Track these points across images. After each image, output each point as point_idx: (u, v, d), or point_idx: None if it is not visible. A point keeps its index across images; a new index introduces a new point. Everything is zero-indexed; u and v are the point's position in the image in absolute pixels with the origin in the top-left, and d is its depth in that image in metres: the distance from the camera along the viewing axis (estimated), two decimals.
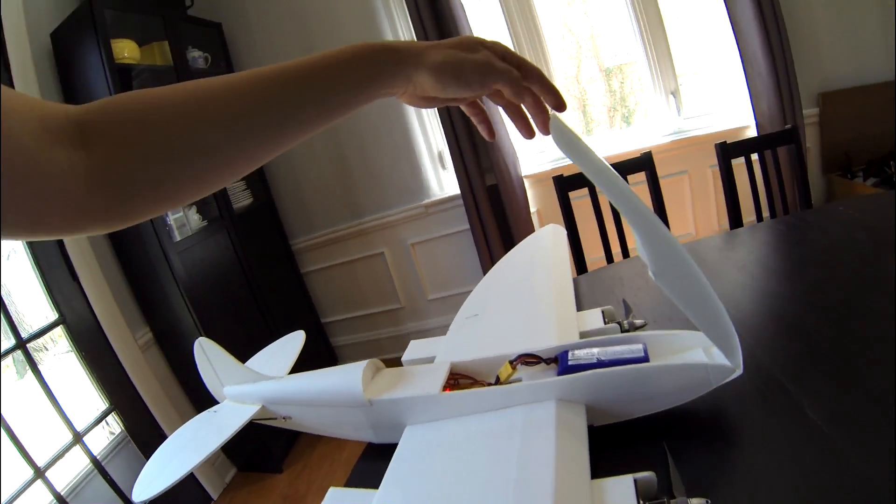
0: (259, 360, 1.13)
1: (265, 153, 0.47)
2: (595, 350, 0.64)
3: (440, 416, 0.66)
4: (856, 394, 0.63)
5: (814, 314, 0.83)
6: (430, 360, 0.84)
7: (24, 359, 1.86)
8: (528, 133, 0.62)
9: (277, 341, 1.17)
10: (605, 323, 0.81)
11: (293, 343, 1.11)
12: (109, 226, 0.44)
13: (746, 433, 0.61)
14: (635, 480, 0.49)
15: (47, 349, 2.05)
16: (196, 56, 2.51)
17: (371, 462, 0.76)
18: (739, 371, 0.59)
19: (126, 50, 2.15)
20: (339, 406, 0.73)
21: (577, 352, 0.65)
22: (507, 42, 2.63)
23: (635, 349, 0.62)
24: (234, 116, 0.44)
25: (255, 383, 0.88)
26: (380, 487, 0.59)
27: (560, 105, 0.58)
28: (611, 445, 0.62)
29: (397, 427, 0.69)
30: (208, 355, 0.95)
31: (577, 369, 0.62)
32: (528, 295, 0.95)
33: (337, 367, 0.78)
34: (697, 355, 0.60)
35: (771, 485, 0.53)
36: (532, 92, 0.57)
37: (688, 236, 2.73)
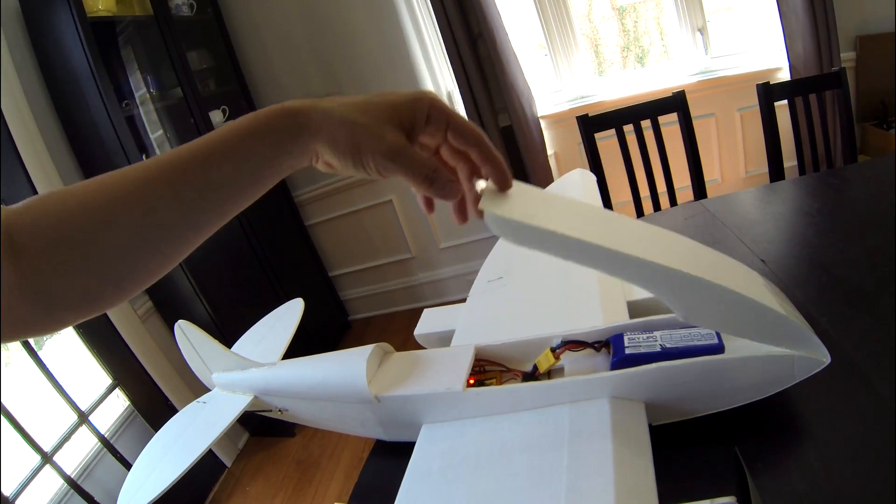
0: (255, 334, 1.02)
1: (181, 249, 0.42)
2: (657, 335, 0.52)
3: (464, 415, 0.55)
4: None
5: (889, 287, 0.70)
6: (449, 336, 0.72)
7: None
8: (460, 218, 0.46)
9: (274, 312, 1.05)
10: None
11: (291, 314, 0.99)
12: (43, 332, 0.42)
13: (828, 435, 0.49)
14: None
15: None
16: (179, 3, 2.32)
17: (383, 461, 0.66)
18: (828, 360, 0.47)
19: (100, 2, 1.97)
20: (340, 401, 0.62)
21: (633, 335, 0.53)
22: None
23: (706, 334, 0.50)
24: (144, 215, 0.39)
25: (244, 371, 0.77)
26: None
27: (504, 183, 0.43)
28: (672, 448, 0.51)
29: (412, 425, 0.58)
30: (191, 340, 0.84)
31: (636, 360, 0.50)
32: None
33: (337, 353, 0.66)
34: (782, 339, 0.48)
35: (861, 501, 0.42)
36: (464, 162, 0.45)
37: (714, 182, 2.59)
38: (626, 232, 0.43)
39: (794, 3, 2.15)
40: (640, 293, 0.67)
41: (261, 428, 2.52)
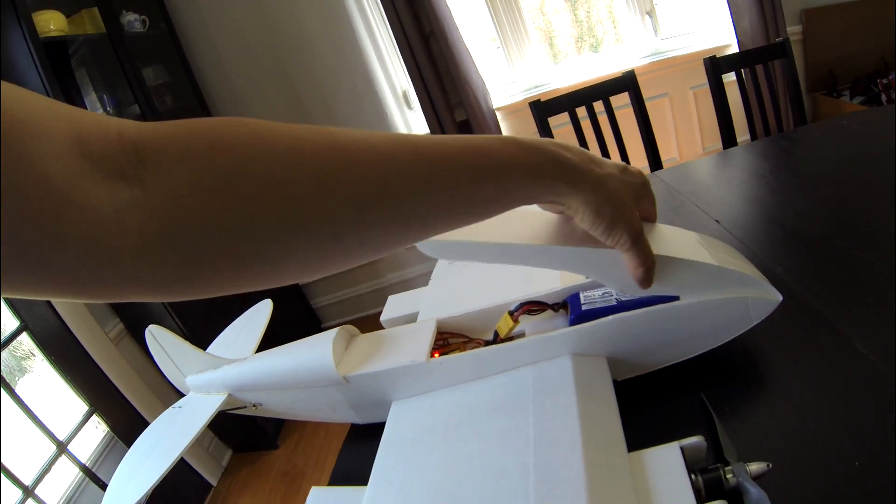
0: (226, 337, 1.01)
1: (385, 250, 0.36)
2: (612, 291, 0.53)
3: (431, 388, 0.55)
4: None
5: (841, 233, 0.73)
6: (414, 317, 0.73)
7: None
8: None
9: (244, 315, 1.04)
10: None
11: (260, 315, 0.99)
12: (163, 293, 0.30)
13: (793, 376, 0.51)
14: (682, 448, 0.39)
15: (34, 355, 1.92)
16: (132, 20, 2.28)
17: (358, 445, 0.66)
18: (779, 298, 0.49)
19: (52, 22, 1.94)
20: (311, 386, 0.62)
21: (589, 293, 0.54)
22: None
23: None
24: (379, 196, 0.33)
25: (217, 370, 0.76)
26: (368, 485, 0.48)
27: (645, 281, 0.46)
28: (639, 402, 0.52)
29: (382, 404, 0.59)
30: (162, 344, 0.83)
31: (593, 315, 0.51)
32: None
33: (305, 339, 0.66)
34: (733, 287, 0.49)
35: (832, 436, 0.43)
36: None
37: (671, 161, 2.63)
38: (539, 224, 0.47)
39: None
40: None
41: (243, 443, 2.49)
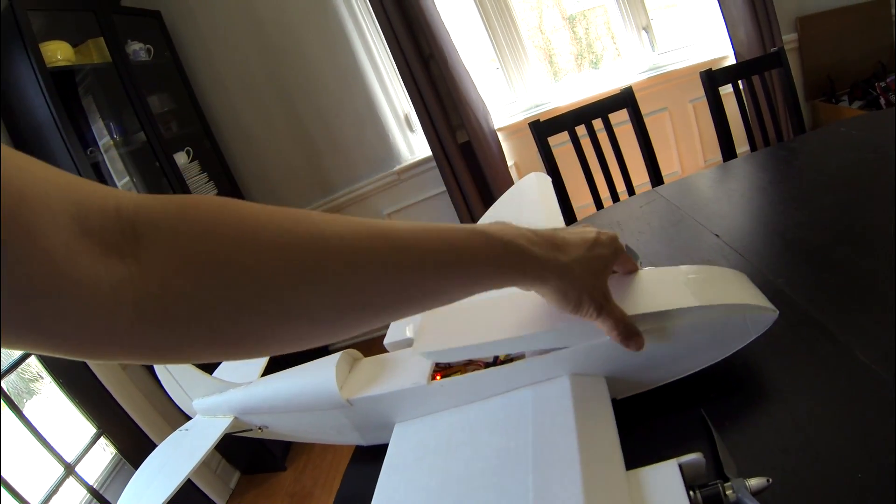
0: (231, 363, 1.02)
1: (362, 329, 0.39)
2: None
3: (433, 409, 0.56)
4: None
5: (843, 243, 0.73)
6: None
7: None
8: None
9: None
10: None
11: None
12: (156, 360, 0.35)
13: (794, 389, 0.51)
14: (680, 466, 0.39)
15: (42, 377, 1.93)
16: (137, 49, 2.33)
17: (362, 466, 0.67)
18: (776, 313, 0.50)
19: (59, 52, 1.99)
20: (316, 410, 0.63)
21: None
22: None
23: None
24: (355, 289, 0.36)
25: (223, 393, 0.77)
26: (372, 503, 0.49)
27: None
28: (639, 419, 0.52)
29: (385, 426, 0.59)
30: (170, 368, 0.84)
31: None
32: None
33: (309, 363, 0.67)
34: (732, 297, 0.50)
35: (834, 449, 0.43)
36: None
37: (673, 174, 2.63)
38: (526, 307, 0.53)
39: None
40: None
41: (251, 465, 2.49)
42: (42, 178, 0.27)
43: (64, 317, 0.26)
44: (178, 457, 0.80)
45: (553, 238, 0.47)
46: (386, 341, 0.79)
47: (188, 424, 0.87)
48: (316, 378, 0.61)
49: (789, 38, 2.40)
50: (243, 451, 2.44)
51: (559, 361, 0.51)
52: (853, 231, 0.76)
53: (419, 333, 0.55)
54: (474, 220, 2.54)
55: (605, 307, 0.47)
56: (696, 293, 0.49)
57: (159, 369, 0.86)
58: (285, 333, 0.35)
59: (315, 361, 0.65)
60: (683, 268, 0.54)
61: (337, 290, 0.35)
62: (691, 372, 0.53)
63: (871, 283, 0.62)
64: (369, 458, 0.64)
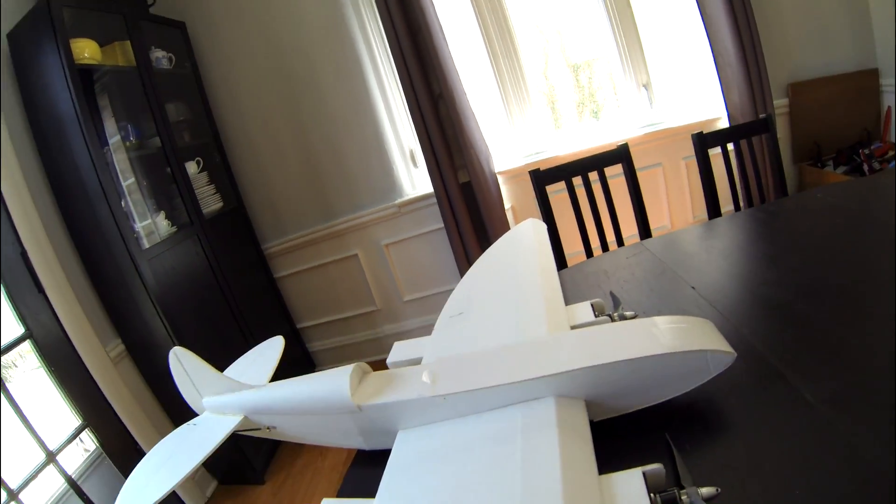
0: (237, 368, 1.08)
1: None
2: None
3: (434, 419, 0.63)
4: (853, 375, 0.63)
5: (802, 298, 0.83)
6: (417, 361, 0.81)
7: None
8: None
9: (255, 348, 1.12)
10: (596, 316, 0.79)
11: (272, 350, 1.07)
12: None
13: (747, 421, 0.60)
14: (644, 474, 0.47)
15: (16, 366, 1.94)
16: (160, 56, 2.43)
17: (363, 468, 0.74)
18: (734, 355, 0.59)
19: (87, 50, 2.06)
20: (326, 413, 0.70)
21: None
22: (476, 36, 2.63)
23: None
24: None
25: (236, 393, 0.84)
26: (376, 497, 0.56)
27: None
28: (612, 439, 0.60)
29: (389, 432, 0.66)
30: (184, 365, 0.90)
31: None
32: (515, 290, 0.92)
33: (322, 372, 0.74)
34: (694, 343, 0.59)
35: (777, 470, 0.52)
36: None
37: (662, 229, 2.72)
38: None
39: (728, 56, 2.35)
40: (582, 318, 0.78)
41: (229, 475, 2.49)
42: None
43: None
44: (186, 449, 0.86)
45: None
46: (389, 360, 0.87)
47: (195, 420, 0.93)
48: (330, 384, 0.69)
49: (781, 103, 2.52)
50: (223, 461, 2.44)
51: (546, 383, 0.59)
52: (813, 289, 0.86)
53: (434, 376, 0.65)
54: (469, 257, 2.64)
55: None
56: (664, 341, 0.58)
57: (174, 365, 0.92)
58: None
59: (328, 370, 0.73)
60: (657, 319, 0.63)
61: None
62: (658, 401, 0.61)
63: (824, 336, 0.72)
64: (371, 462, 0.71)
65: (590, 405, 0.59)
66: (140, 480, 0.85)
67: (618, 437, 0.61)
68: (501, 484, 0.49)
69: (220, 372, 0.88)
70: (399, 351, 0.88)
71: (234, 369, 1.10)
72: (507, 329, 0.77)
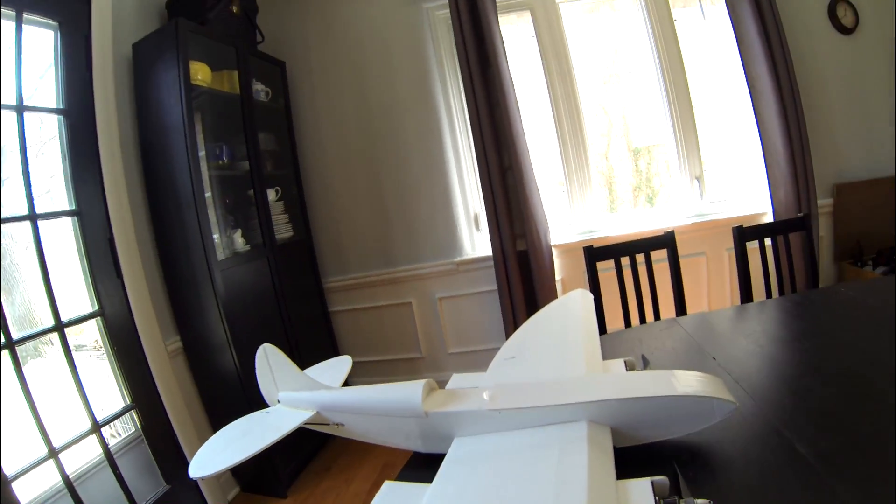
0: (312, 373, 1.24)
1: None
2: None
3: (487, 430, 0.78)
4: (840, 437, 0.76)
5: (809, 376, 0.97)
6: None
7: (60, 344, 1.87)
8: None
9: (327, 361, 1.28)
10: (627, 370, 0.93)
11: (342, 364, 1.23)
12: None
13: (744, 461, 0.74)
14: (652, 482, 0.61)
15: (52, 343, 1.95)
16: (259, 89, 2.67)
17: (415, 471, 0.86)
18: (736, 404, 0.72)
19: (200, 73, 2.28)
20: (395, 416, 0.85)
21: None
22: (548, 115, 2.82)
23: None
24: None
25: (313, 391, 0.99)
26: (433, 483, 0.70)
27: None
28: (630, 463, 0.73)
29: (447, 438, 0.81)
30: (270, 360, 1.06)
31: None
32: (561, 342, 1.06)
33: (394, 383, 0.89)
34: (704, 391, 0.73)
35: (764, 492, 0.66)
36: None
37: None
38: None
39: (777, 155, 2.47)
40: (615, 371, 0.93)
41: (253, 484, 2.52)
42: None
43: None
44: (260, 430, 0.99)
45: None
46: (447, 388, 1.01)
47: (268, 409, 1.07)
48: (403, 392, 0.84)
49: (825, 203, 2.60)
50: (248, 468, 2.47)
51: (581, 409, 0.74)
52: (820, 368, 1.00)
53: (492, 395, 0.79)
54: (516, 321, 2.75)
55: None
56: (678, 386, 0.72)
57: (260, 358, 1.06)
58: None
59: (401, 382, 0.88)
60: (677, 370, 0.77)
61: None
62: (672, 437, 0.75)
63: (821, 403, 0.86)
64: (423, 466, 0.84)
65: (614, 432, 0.73)
66: (214, 447, 0.98)
67: (634, 462, 0.74)
68: (539, 479, 0.63)
69: (302, 371, 1.04)
70: (457, 381, 1.02)
71: (315, 368, 1.25)
72: (553, 370, 0.92)
